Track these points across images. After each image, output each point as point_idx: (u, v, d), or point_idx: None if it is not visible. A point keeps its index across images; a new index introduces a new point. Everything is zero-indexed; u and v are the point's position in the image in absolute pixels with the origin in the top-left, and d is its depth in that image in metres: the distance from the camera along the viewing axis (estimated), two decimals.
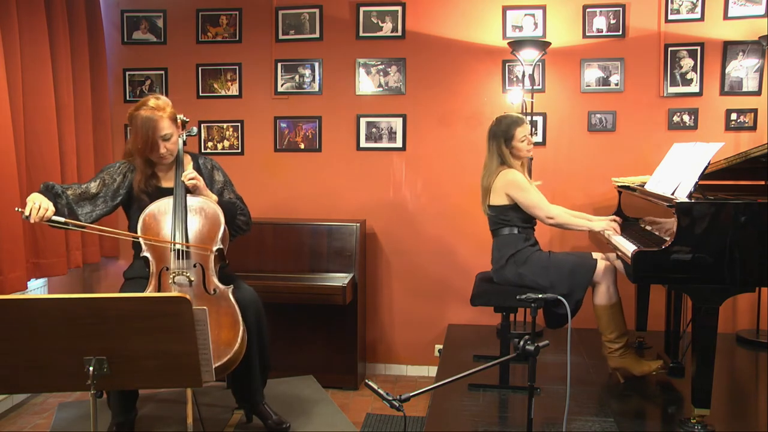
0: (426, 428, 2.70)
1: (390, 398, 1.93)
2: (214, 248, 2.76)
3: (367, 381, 2.02)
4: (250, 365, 2.82)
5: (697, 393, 2.51)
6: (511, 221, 3.09)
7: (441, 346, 3.85)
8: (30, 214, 2.50)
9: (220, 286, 2.72)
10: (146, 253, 2.70)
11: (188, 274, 2.69)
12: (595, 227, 3.10)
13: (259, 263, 3.85)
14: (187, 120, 2.91)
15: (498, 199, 3.10)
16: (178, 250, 2.70)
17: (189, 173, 2.78)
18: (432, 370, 4.12)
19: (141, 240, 2.71)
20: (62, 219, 2.59)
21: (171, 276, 2.68)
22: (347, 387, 3.86)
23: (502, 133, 3.12)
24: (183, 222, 2.73)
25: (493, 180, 3.11)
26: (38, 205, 2.51)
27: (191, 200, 2.79)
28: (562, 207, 3.31)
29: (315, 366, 3.84)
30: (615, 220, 3.09)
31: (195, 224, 2.76)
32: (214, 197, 2.86)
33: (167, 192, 2.82)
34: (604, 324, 3.01)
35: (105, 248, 4.16)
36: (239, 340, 2.59)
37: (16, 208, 2.56)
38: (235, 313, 2.65)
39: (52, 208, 2.55)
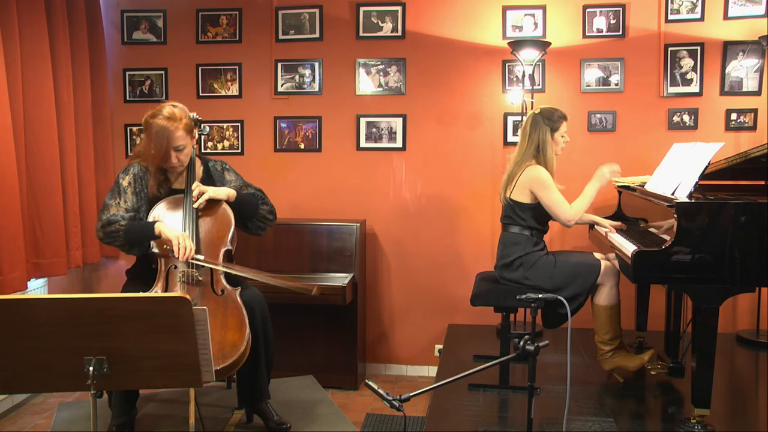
0: (426, 428, 2.70)
1: (390, 398, 1.93)
2: (223, 249, 2.77)
3: (367, 381, 2.02)
4: (257, 364, 2.83)
5: (697, 393, 2.51)
6: (526, 221, 3.05)
7: (441, 346, 3.85)
8: (180, 255, 2.61)
9: (228, 287, 2.73)
10: (156, 249, 2.70)
11: (197, 274, 2.70)
12: (598, 182, 3.07)
13: (259, 263, 3.84)
14: (201, 119, 2.91)
15: (519, 194, 3.04)
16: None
17: (198, 188, 2.75)
18: (432, 370, 4.13)
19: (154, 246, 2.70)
20: (201, 257, 2.67)
21: (179, 275, 2.69)
22: (347, 387, 3.87)
23: (550, 122, 3.06)
24: (194, 222, 2.74)
25: (519, 172, 3.04)
26: (186, 245, 2.61)
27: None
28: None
29: (315, 366, 3.84)
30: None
31: (205, 226, 2.77)
32: (232, 192, 2.84)
33: (179, 193, 2.83)
34: (601, 324, 3.01)
35: (105, 248, 4.16)
36: (245, 342, 2.59)
37: (165, 246, 2.66)
38: (241, 315, 2.66)
39: (194, 247, 2.65)
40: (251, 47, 4.19)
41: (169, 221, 2.75)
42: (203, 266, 2.71)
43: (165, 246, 2.68)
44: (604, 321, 3.00)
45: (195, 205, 2.74)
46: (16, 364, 1.91)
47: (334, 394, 3.72)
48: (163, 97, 4.24)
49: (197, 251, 2.73)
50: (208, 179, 2.92)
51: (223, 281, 2.74)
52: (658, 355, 3.31)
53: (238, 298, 2.70)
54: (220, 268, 2.71)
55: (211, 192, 2.78)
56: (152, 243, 2.70)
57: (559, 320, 2.96)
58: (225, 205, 2.82)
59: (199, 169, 2.92)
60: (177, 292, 2.64)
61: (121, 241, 2.70)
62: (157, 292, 2.64)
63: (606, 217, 3.46)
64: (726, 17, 3.80)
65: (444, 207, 4.11)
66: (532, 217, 3.05)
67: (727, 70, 3.82)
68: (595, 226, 3.30)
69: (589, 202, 3.07)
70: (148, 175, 2.82)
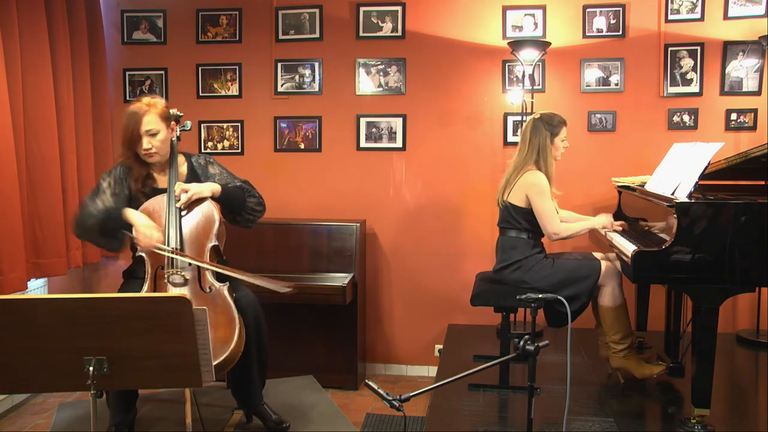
0: (426, 428, 2.70)
1: (390, 398, 1.93)
2: (209, 245, 2.75)
3: (367, 381, 2.02)
4: (249, 368, 2.81)
5: (697, 393, 2.51)
6: (522, 224, 3.06)
7: (441, 346, 3.85)
8: (139, 242, 2.62)
9: (216, 284, 2.71)
10: (141, 253, 2.70)
11: (183, 273, 2.69)
12: (596, 224, 3.10)
13: (259, 263, 3.84)
14: (181, 114, 2.90)
15: (515, 198, 3.06)
16: (173, 248, 2.70)
17: (182, 197, 2.72)
18: (432, 370, 4.13)
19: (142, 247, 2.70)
20: (168, 248, 2.66)
21: (167, 275, 2.68)
22: (347, 387, 3.87)
23: (550, 127, 3.06)
24: (177, 220, 2.72)
25: (518, 176, 3.05)
26: (150, 234, 2.61)
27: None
28: (566, 210, 3.33)
29: (315, 366, 3.84)
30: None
31: (189, 222, 2.76)
32: (216, 187, 2.80)
33: (162, 192, 2.82)
34: (608, 325, 3.00)
35: None
36: (236, 337, 2.57)
37: (125, 232, 2.66)
38: (230, 311, 2.64)
39: (159, 237, 2.64)
40: (251, 47, 4.19)
41: (154, 220, 2.72)
42: (189, 264, 2.70)
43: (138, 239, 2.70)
44: (612, 322, 2.99)
45: (178, 205, 2.72)
46: (16, 364, 1.91)
47: (334, 394, 3.72)
48: (163, 97, 4.23)
49: (181, 249, 2.71)
50: (193, 175, 2.89)
51: (210, 278, 2.72)
52: (658, 355, 3.31)
53: (227, 295, 2.68)
54: (204, 265, 2.69)
55: (195, 190, 2.74)
56: (138, 247, 2.69)
57: (562, 320, 2.96)
58: (209, 201, 2.79)
59: (182, 166, 2.89)
60: (167, 292, 2.63)
61: (95, 235, 2.70)
62: (145, 292, 2.63)
63: None
64: (726, 17, 3.80)
65: (444, 207, 4.11)
66: (528, 220, 3.05)
67: (727, 70, 3.82)
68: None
69: (578, 233, 3.10)
70: (129, 177, 2.81)
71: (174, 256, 2.67)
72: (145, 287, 2.67)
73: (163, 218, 2.73)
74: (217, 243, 2.78)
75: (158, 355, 1.91)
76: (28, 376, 1.94)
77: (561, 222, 3.06)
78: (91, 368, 1.86)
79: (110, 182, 2.80)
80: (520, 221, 3.06)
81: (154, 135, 2.73)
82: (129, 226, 2.66)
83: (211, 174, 2.93)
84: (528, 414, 2.22)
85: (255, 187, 2.97)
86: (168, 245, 2.69)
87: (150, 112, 2.71)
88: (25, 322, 1.84)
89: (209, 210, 2.78)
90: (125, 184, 2.81)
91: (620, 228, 3.12)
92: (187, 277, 2.69)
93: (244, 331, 2.66)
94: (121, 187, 2.80)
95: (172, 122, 2.84)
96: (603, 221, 3.10)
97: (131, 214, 2.67)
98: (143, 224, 2.63)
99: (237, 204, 2.86)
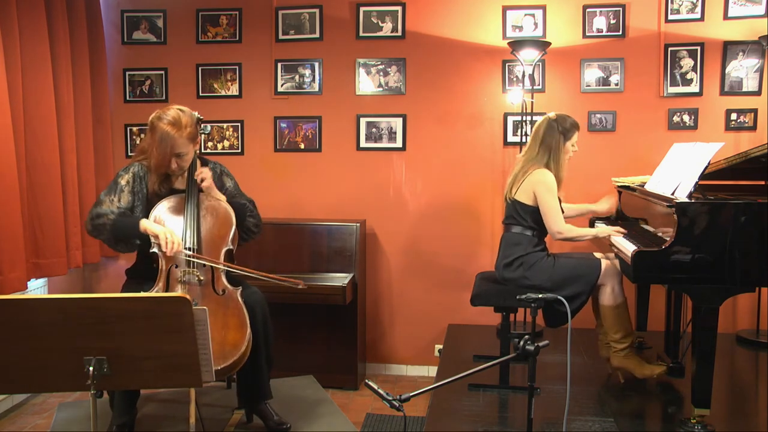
0: (426, 428, 2.70)
1: (390, 398, 1.93)
2: (225, 248, 2.77)
3: (367, 381, 2.02)
4: (258, 365, 2.83)
5: (697, 393, 2.51)
6: (527, 222, 3.06)
7: (441, 346, 3.85)
8: (167, 250, 2.61)
9: (229, 287, 2.73)
10: (156, 249, 2.70)
11: (198, 274, 2.70)
12: (600, 234, 3.10)
13: (259, 263, 3.82)
14: (202, 117, 2.90)
15: (523, 195, 3.05)
16: (189, 248, 2.71)
17: (203, 172, 2.78)
18: (432, 370, 4.13)
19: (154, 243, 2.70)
20: (189, 252, 2.67)
21: (180, 274, 2.69)
22: (347, 387, 3.87)
23: (564, 129, 3.06)
24: (195, 221, 2.74)
25: (526, 174, 3.05)
26: (172, 240, 2.61)
27: (203, 200, 2.80)
28: (567, 204, 3.32)
29: (315, 366, 3.84)
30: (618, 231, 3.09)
31: (206, 224, 2.77)
32: (223, 197, 2.85)
33: (180, 192, 2.83)
34: (609, 324, 3.00)
35: (105, 248, 4.16)
36: (246, 341, 2.59)
37: (153, 244, 2.64)
38: (242, 315, 2.65)
39: (181, 242, 2.64)
40: (251, 47, 4.19)
41: (170, 220, 2.74)
42: (204, 265, 2.71)
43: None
44: (612, 321, 2.99)
45: (196, 175, 2.76)
46: (16, 364, 1.91)
47: (334, 394, 3.72)
48: (163, 97, 4.24)
49: (198, 250, 2.73)
50: None
51: (224, 281, 2.74)
52: (658, 355, 3.31)
53: (239, 298, 2.70)
54: (219, 265, 2.71)
55: (209, 181, 2.80)
56: (153, 242, 2.69)
57: (560, 320, 2.96)
58: (226, 205, 2.82)
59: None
60: (178, 291, 2.64)
61: (107, 235, 2.71)
62: (158, 291, 2.64)
63: (605, 218, 3.46)
64: (726, 17, 3.80)
65: (444, 207, 4.11)
66: (534, 219, 3.05)
67: (727, 70, 3.82)
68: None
69: (583, 237, 3.11)
70: (148, 174, 2.82)
71: (194, 259, 2.68)
72: (159, 285, 2.67)
73: (182, 218, 2.74)
74: (231, 247, 2.79)
75: (158, 355, 1.92)
76: (28, 376, 1.94)
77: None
78: (91, 368, 1.87)
79: (128, 180, 2.80)
80: (525, 219, 3.06)
81: (182, 157, 2.75)
82: (143, 236, 2.66)
83: (225, 186, 2.97)
84: (528, 414, 2.23)
85: (256, 203, 3.01)
86: (184, 245, 2.71)
87: (183, 136, 2.70)
88: (25, 322, 1.84)
89: (227, 213, 2.80)
90: (144, 182, 2.82)
91: (622, 233, 3.12)
92: (202, 278, 2.70)
93: (252, 334, 2.67)
94: (140, 186, 2.81)
95: (198, 139, 2.84)
96: (608, 231, 3.09)
97: (149, 225, 2.66)
98: (164, 231, 2.63)
99: (236, 220, 2.86)
